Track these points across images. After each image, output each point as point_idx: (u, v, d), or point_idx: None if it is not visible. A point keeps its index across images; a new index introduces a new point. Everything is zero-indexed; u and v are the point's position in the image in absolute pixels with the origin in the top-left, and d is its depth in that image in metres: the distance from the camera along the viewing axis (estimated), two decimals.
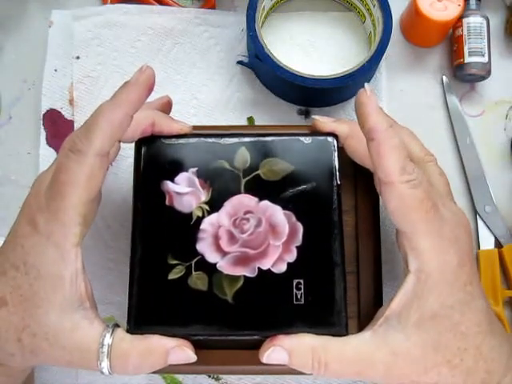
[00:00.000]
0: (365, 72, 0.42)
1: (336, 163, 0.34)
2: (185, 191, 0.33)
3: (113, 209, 0.43)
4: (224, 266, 0.32)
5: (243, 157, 0.34)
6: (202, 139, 0.34)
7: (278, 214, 0.33)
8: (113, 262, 0.43)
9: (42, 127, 0.46)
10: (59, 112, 0.46)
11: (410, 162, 0.29)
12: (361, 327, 0.32)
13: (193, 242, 0.32)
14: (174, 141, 0.34)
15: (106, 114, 0.29)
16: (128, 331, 0.31)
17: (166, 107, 0.38)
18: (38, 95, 0.46)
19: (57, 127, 0.46)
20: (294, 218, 0.33)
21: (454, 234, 0.30)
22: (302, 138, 0.34)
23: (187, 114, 0.46)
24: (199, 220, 0.32)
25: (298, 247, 0.32)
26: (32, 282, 0.29)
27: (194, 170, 0.33)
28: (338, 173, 0.33)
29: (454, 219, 0.31)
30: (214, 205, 0.33)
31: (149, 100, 0.32)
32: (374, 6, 0.44)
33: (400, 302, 0.30)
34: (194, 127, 0.36)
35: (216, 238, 0.32)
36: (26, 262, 0.30)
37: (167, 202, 0.33)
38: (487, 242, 0.44)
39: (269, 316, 0.31)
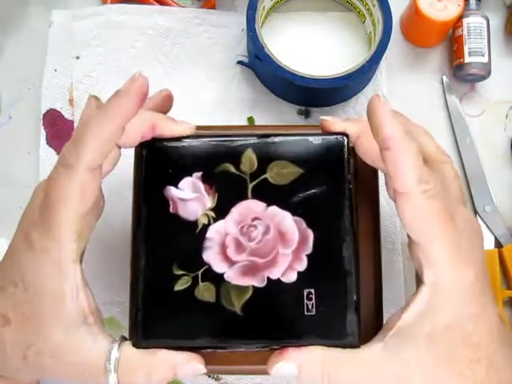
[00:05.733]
0: (365, 72, 0.42)
1: (347, 165, 0.32)
2: (189, 197, 0.31)
3: (113, 209, 0.43)
4: (232, 276, 0.30)
5: (250, 159, 0.32)
6: (206, 141, 0.32)
7: (288, 221, 0.31)
8: (113, 261, 0.43)
9: (42, 127, 0.46)
10: (59, 112, 0.46)
11: (426, 169, 0.28)
12: (359, 326, 0.32)
13: (199, 252, 0.31)
14: (176, 143, 0.32)
15: (94, 127, 0.28)
16: (134, 345, 0.30)
17: (167, 102, 0.37)
18: (38, 95, 0.46)
19: (57, 127, 0.46)
20: (304, 225, 0.31)
21: (470, 244, 0.29)
22: (310, 138, 0.32)
23: (187, 115, 0.46)
24: (205, 228, 0.31)
25: (308, 255, 0.31)
26: (32, 299, 0.29)
27: (199, 174, 0.32)
28: (349, 175, 0.32)
29: (468, 227, 0.30)
30: (221, 211, 0.31)
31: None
32: (374, 6, 0.44)
33: (413, 314, 0.29)
34: (197, 127, 0.34)
35: (223, 247, 0.31)
36: (24, 278, 0.29)
37: (171, 209, 0.31)
38: (487, 242, 0.44)
39: (279, 328, 0.30)
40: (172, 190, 0.31)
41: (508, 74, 0.48)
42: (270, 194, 0.31)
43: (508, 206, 0.45)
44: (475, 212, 0.45)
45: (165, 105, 0.36)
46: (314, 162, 0.32)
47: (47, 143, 0.46)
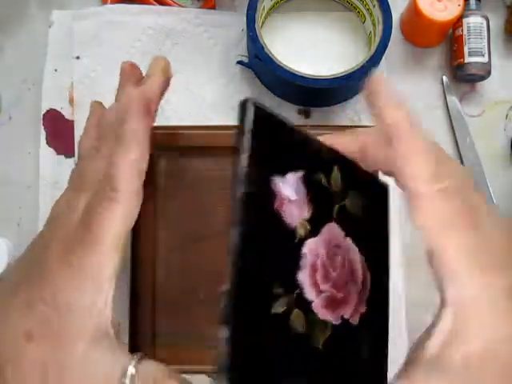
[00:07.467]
0: (365, 72, 0.42)
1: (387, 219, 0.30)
2: (294, 198, 0.25)
3: None
4: (318, 306, 0.26)
5: (335, 178, 0.28)
6: (308, 141, 0.27)
7: (357, 258, 0.28)
8: None
9: (42, 127, 0.46)
10: (59, 112, 0.46)
11: (443, 165, 0.25)
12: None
13: (295, 269, 0.25)
14: (288, 128, 0.26)
15: (127, 159, 0.29)
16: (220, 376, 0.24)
17: (165, 87, 0.34)
18: (38, 95, 0.46)
19: (57, 127, 0.46)
20: (365, 265, 0.28)
21: (499, 247, 0.24)
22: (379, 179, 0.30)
23: (187, 114, 0.46)
24: (302, 241, 0.25)
25: (367, 299, 0.28)
26: (60, 316, 0.28)
27: (301, 174, 0.26)
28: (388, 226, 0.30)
29: (498, 233, 0.25)
30: (313, 226, 0.26)
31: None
32: (374, 6, 0.44)
33: (438, 342, 0.24)
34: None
35: (314, 269, 0.26)
36: (56, 296, 0.28)
37: (276, 206, 0.25)
38: None
39: (348, 369, 0.27)
40: (280, 185, 0.25)
41: (508, 74, 0.48)
42: (347, 223, 0.28)
43: (508, 206, 0.45)
44: None
45: (164, 88, 0.34)
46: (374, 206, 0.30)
47: (47, 143, 0.46)
